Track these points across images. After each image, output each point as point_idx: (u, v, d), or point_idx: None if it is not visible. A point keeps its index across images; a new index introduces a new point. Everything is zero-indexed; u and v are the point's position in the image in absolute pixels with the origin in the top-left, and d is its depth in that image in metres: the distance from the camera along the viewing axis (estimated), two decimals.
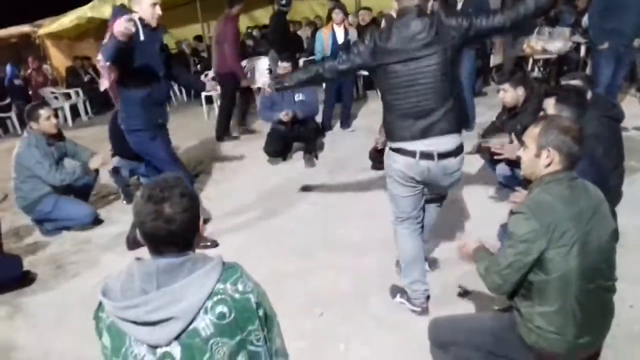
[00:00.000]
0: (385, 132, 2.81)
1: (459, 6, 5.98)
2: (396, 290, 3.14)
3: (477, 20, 2.55)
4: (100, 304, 1.50)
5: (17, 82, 10.54)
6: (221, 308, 1.43)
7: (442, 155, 2.63)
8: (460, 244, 2.30)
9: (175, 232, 1.46)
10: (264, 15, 12.37)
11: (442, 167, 2.66)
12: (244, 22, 12.35)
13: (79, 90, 10.71)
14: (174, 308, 1.40)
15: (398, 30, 2.57)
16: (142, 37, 3.46)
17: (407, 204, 2.87)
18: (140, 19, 3.47)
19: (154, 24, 3.59)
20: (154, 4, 3.54)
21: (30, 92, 10.17)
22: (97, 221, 4.70)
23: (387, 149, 2.82)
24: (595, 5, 5.49)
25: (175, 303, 1.40)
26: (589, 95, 3.35)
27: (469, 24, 2.55)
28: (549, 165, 1.93)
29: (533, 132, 1.98)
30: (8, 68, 10.74)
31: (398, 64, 2.57)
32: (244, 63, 9.11)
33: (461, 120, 2.72)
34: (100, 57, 3.29)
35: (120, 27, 2.94)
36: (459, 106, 2.68)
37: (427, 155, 2.62)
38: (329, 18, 6.68)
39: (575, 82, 3.45)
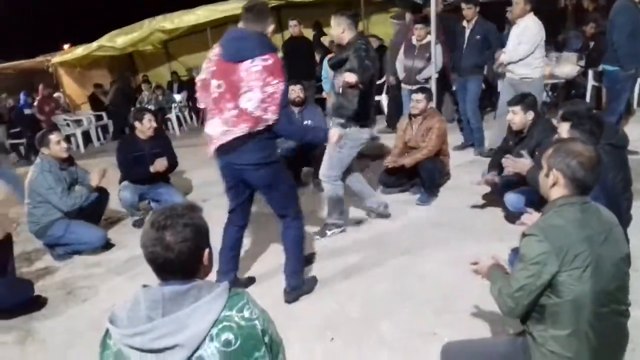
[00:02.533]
0: (361, 114, 3.95)
1: (467, 32, 6.05)
2: (323, 232, 4.45)
3: None
4: (107, 331, 1.50)
5: (27, 111, 10.73)
6: (227, 335, 1.43)
7: None
8: (475, 262, 2.29)
9: (172, 260, 1.47)
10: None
11: None
12: None
13: (92, 116, 10.94)
14: (179, 336, 1.40)
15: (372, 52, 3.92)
16: None
17: (348, 163, 4.19)
18: None
19: None
20: None
21: (43, 119, 10.34)
22: (108, 245, 4.73)
23: (358, 127, 4.00)
24: (621, 31, 5.30)
25: (180, 331, 1.41)
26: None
27: None
28: (553, 185, 1.94)
29: (547, 152, 2.00)
30: (21, 96, 10.95)
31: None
32: None
33: None
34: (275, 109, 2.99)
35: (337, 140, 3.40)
36: None
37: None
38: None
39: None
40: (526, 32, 5.38)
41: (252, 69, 2.91)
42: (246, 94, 2.95)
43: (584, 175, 1.89)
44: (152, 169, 5.10)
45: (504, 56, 5.62)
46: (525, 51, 5.38)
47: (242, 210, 3.49)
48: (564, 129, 2.92)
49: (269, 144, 3.17)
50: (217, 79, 3.07)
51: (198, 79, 3.29)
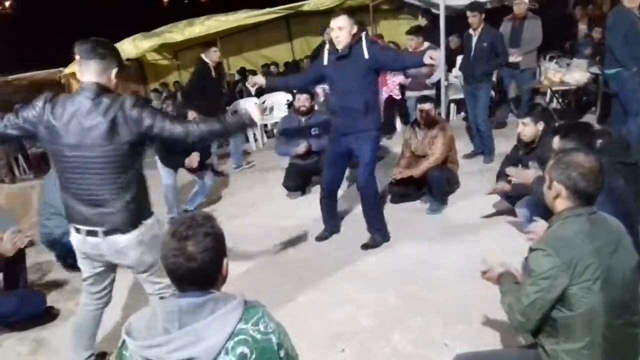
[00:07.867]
0: None
1: (474, 40, 6.04)
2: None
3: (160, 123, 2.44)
4: (124, 342, 1.51)
5: None
6: (242, 349, 1.43)
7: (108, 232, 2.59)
8: (486, 270, 2.29)
9: (195, 271, 1.48)
10: (278, 52, 12.55)
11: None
12: (258, 60, 12.54)
13: None
14: (195, 348, 1.41)
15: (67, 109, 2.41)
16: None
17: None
18: None
19: None
20: None
21: None
22: None
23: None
24: (614, 36, 5.33)
25: (196, 343, 1.41)
26: (599, 142, 3.22)
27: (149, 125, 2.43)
28: (556, 198, 1.93)
29: (549, 164, 2.00)
30: None
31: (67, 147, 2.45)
32: (262, 99, 9.27)
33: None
34: None
35: None
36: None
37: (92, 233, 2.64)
38: None
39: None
40: None
41: None
42: None
43: (585, 187, 1.88)
44: (187, 161, 5.46)
45: None
46: None
47: None
48: (555, 142, 2.93)
49: None
50: None
51: None
